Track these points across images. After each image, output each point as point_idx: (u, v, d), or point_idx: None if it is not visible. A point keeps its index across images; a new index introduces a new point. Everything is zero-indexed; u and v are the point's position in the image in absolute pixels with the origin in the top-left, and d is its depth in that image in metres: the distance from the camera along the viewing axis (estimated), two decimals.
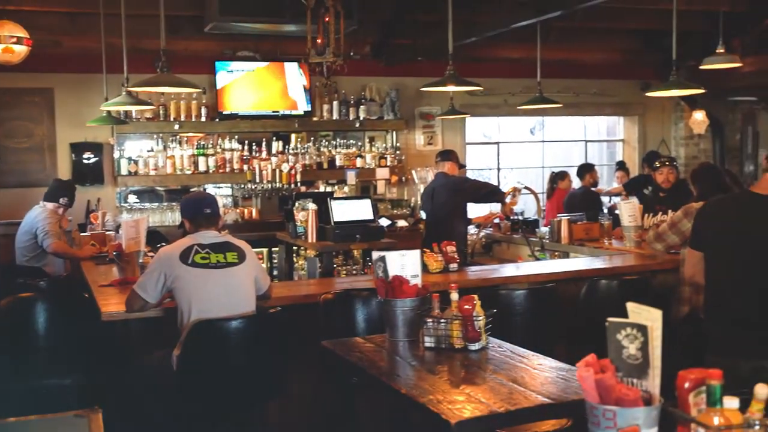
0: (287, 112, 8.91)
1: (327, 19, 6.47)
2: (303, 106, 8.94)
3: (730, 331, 3.32)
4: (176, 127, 8.50)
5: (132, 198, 8.75)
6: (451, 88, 5.64)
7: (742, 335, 3.28)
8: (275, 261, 8.29)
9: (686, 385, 1.85)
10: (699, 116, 10.71)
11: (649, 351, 1.87)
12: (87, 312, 4.34)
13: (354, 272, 6.56)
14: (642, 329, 1.87)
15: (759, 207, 3.31)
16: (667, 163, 6.43)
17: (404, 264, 3.45)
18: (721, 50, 6.93)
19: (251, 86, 8.80)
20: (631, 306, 1.92)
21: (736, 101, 11.55)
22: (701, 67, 7.16)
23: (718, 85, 9.81)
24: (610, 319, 1.93)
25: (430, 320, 3.23)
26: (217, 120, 8.66)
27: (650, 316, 1.88)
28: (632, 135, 11.42)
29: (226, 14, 7.54)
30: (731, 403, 1.81)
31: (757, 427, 1.80)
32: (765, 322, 3.24)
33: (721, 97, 10.99)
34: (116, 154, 8.40)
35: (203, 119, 8.60)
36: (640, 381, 1.90)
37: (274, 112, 8.87)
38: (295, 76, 8.90)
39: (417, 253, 3.55)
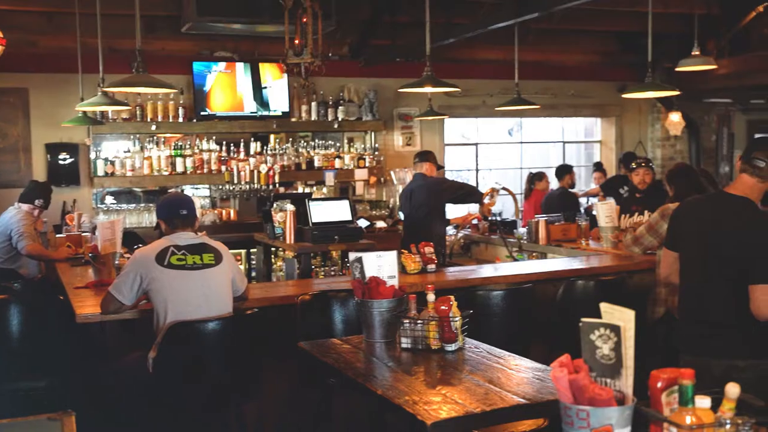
0: (265, 113, 8.88)
1: (305, 19, 6.46)
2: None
3: (702, 331, 3.35)
4: (153, 127, 8.44)
5: (109, 199, 8.68)
6: (428, 90, 5.66)
7: (714, 335, 3.31)
8: (253, 262, 8.27)
9: (659, 384, 1.87)
10: (675, 118, 10.80)
11: (622, 351, 1.88)
12: (62, 314, 4.30)
13: (332, 273, 6.56)
14: (615, 329, 1.89)
15: (733, 207, 3.35)
16: (643, 164, 6.48)
17: (381, 265, 3.46)
18: (696, 52, 6.98)
19: (219, 88, 8.74)
20: (604, 306, 1.93)
21: (711, 103, 11.66)
22: (677, 69, 7.22)
23: (693, 86, 9.92)
24: (584, 319, 1.94)
25: (406, 321, 3.24)
26: (195, 121, 8.61)
27: (623, 317, 1.90)
28: (609, 136, 11.50)
29: (203, 14, 7.49)
30: (703, 402, 1.82)
31: (728, 426, 1.82)
32: (737, 322, 3.28)
33: (697, 98, 11.10)
34: (92, 155, 8.33)
35: (180, 120, 8.54)
36: (614, 381, 1.91)
37: (252, 112, 8.84)
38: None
39: (394, 254, 3.55)
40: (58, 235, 6.75)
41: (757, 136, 9.75)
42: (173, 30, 8.23)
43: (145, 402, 3.80)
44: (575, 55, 10.46)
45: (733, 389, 1.82)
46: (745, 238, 3.25)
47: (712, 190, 4.90)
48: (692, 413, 1.81)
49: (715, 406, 1.86)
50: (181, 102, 8.52)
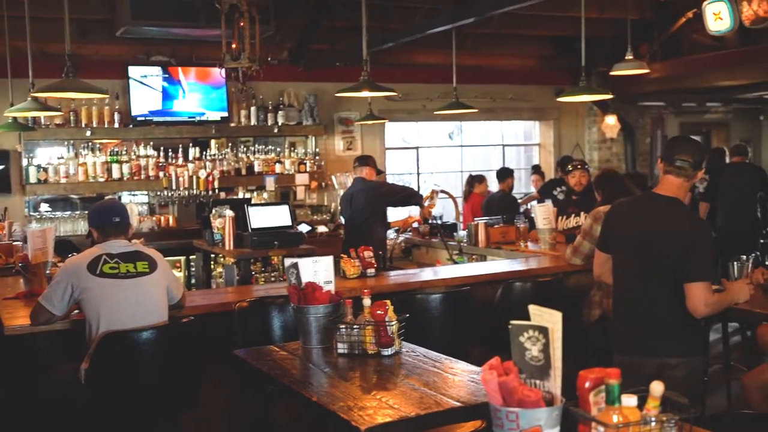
0: (204, 118, 8.77)
1: (242, 24, 6.40)
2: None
3: (634, 330, 3.42)
4: (88, 133, 8.27)
5: (44, 206, 8.47)
6: (365, 94, 5.67)
7: (646, 334, 3.38)
8: (193, 269, 8.16)
9: (586, 384, 1.89)
10: (611, 121, 11.02)
11: (551, 352, 1.91)
12: None
13: (273, 279, 6.51)
14: (543, 331, 1.91)
15: (663, 208, 3.43)
16: (578, 166, 6.59)
17: (317, 270, 3.44)
18: (630, 57, 7.13)
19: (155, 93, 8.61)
20: (532, 309, 1.95)
21: (645, 106, 11.93)
22: (611, 73, 7.37)
23: (628, 90, 10.14)
24: (513, 322, 1.96)
25: (343, 326, 3.22)
26: (131, 126, 8.46)
27: (551, 319, 1.92)
28: (548, 139, 11.67)
29: (138, 18, 7.37)
30: (629, 401, 1.85)
31: (653, 424, 1.85)
32: (669, 321, 3.35)
33: (632, 102, 11.35)
34: (24, 162, 8.12)
35: (116, 125, 8.38)
36: (543, 382, 1.93)
37: (190, 117, 8.72)
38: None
39: (330, 259, 3.54)
40: None
41: (676, 136, 10.03)
42: (107, 34, 8.07)
43: (79, 415, 3.71)
44: (513, 60, 10.60)
45: (657, 387, 1.85)
46: (677, 238, 3.33)
47: (639, 193, 5.01)
48: (619, 412, 1.84)
49: (643, 405, 1.89)
50: (116, 107, 8.36)
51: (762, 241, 8.59)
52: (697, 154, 3.41)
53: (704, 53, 9.55)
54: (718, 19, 6.10)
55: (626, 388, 1.88)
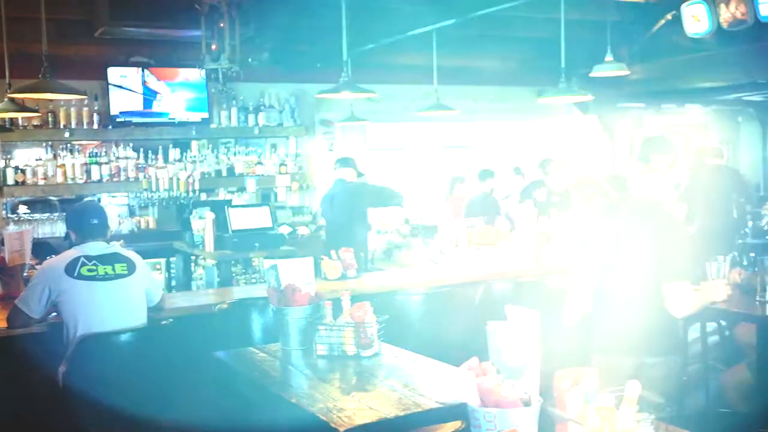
0: (184, 119, 8.72)
1: (222, 24, 6.38)
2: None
3: (613, 330, 3.44)
4: (67, 134, 8.19)
5: (22, 208, 8.38)
6: (345, 96, 5.65)
7: (624, 333, 3.40)
8: (173, 271, 8.11)
9: (563, 384, 1.90)
10: (591, 122, 11.07)
11: (528, 353, 1.91)
12: None
13: (253, 281, 6.50)
14: (520, 332, 1.92)
15: (641, 209, 3.45)
16: (559, 167, 6.62)
17: (297, 272, 3.43)
18: (610, 59, 7.18)
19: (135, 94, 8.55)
20: (509, 309, 1.96)
21: (625, 107, 11.99)
22: (591, 75, 7.41)
23: (608, 91, 10.18)
24: (491, 322, 1.96)
25: (322, 328, 3.22)
26: (111, 127, 8.40)
27: (529, 319, 1.93)
28: (529, 140, 11.70)
29: (117, 19, 7.30)
30: (606, 400, 1.86)
31: (629, 423, 1.86)
32: (646, 320, 3.37)
33: (612, 103, 11.40)
34: (2, 163, 8.03)
35: (95, 126, 8.32)
36: (520, 382, 1.94)
37: (170, 119, 8.67)
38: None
39: (309, 260, 3.54)
40: None
41: (650, 137, 10.07)
42: (87, 35, 7.99)
43: (56, 418, 3.68)
44: (494, 61, 10.61)
45: (632, 387, 1.86)
46: (654, 239, 3.35)
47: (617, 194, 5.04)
48: (595, 412, 1.85)
49: (620, 404, 1.90)
50: (96, 108, 8.30)
51: (739, 241, 8.67)
52: (672, 153, 3.43)
53: (683, 55, 9.60)
54: (696, 21, 6.16)
55: (605, 387, 1.89)
